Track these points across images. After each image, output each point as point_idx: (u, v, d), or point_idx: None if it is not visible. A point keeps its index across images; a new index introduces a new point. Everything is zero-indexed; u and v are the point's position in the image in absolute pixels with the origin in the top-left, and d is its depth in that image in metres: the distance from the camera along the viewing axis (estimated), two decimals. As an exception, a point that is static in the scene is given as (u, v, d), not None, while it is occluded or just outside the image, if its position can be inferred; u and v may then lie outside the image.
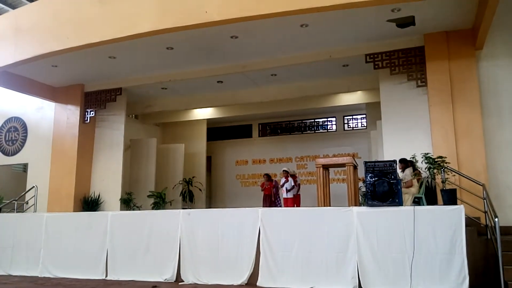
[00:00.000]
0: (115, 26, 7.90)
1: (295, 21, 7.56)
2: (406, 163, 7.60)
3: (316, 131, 14.60)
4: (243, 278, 6.82)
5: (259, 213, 7.04)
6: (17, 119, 12.13)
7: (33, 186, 10.45)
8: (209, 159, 14.87)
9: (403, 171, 7.56)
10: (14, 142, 12.01)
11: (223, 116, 13.82)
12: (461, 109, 7.84)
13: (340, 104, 12.38)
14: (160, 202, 10.69)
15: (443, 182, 6.62)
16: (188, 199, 13.04)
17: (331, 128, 14.43)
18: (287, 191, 10.75)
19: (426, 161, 6.86)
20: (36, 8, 9.25)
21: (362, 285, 6.11)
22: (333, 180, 12.52)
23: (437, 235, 5.91)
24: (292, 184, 10.78)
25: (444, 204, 6.28)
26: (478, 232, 6.47)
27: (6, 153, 12.09)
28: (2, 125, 12.33)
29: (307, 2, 6.70)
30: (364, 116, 13.42)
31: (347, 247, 6.34)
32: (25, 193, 10.90)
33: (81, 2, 8.49)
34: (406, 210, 6.15)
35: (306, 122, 14.67)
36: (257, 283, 6.73)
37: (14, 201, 10.40)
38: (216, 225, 7.32)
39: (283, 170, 11.20)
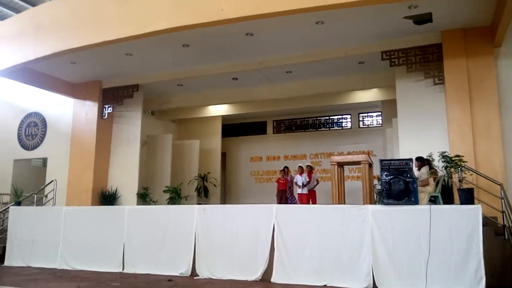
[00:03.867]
0: (132, 23, 8.00)
1: (310, 18, 7.56)
2: (422, 162, 7.55)
3: (331, 128, 14.55)
4: (257, 274, 6.88)
5: (273, 210, 7.08)
6: (37, 114, 12.38)
7: (52, 180, 10.66)
8: (224, 155, 14.95)
9: (419, 169, 7.53)
10: (34, 137, 12.26)
11: (238, 112, 13.90)
12: (479, 108, 7.74)
13: (355, 102, 12.32)
14: (175, 197, 10.81)
15: (460, 181, 6.55)
16: (203, 195, 13.18)
17: (346, 125, 14.37)
18: (303, 186, 10.75)
19: (443, 159, 6.80)
20: (55, 6, 9.39)
21: (376, 284, 6.11)
22: (348, 177, 12.48)
23: (453, 234, 5.86)
24: (307, 179, 10.78)
25: (461, 203, 6.22)
26: (495, 232, 6.41)
27: (26, 148, 12.35)
28: (22, 120, 12.59)
29: (323, -1, 6.69)
30: (380, 113, 13.33)
31: (362, 245, 6.33)
32: (44, 187, 11.13)
33: (99, 0, 8.60)
34: (422, 209, 6.12)
35: (321, 119, 14.64)
36: (271, 279, 6.78)
37: (33, 195, 10.63)
38: (231, 221, 7.39)
39: (299, 166, 11.24)
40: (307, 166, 11.29)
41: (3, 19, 12.68)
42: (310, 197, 10.87)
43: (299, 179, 10.89)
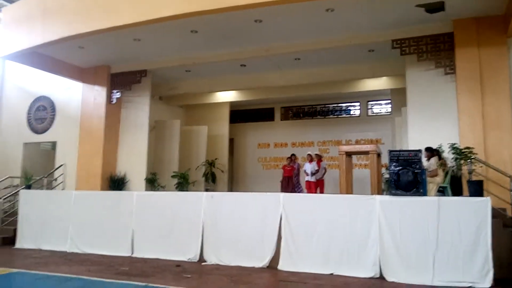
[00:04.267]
0: (140, 9, 7.94)
1: (320, 5, 7.45)
2: (432, 152, 7.52)
3: (339, 116, 14.47)
4: (264, 261, 6.96)
5: (281, 199, 7.12)
6: (46, 98, 12.41)
7: (62, 164, 10.75)
8: (231, 141, 14.96)
9: (428, 160, 7.49)
10: (43, 120, 12.33)
11: (246, 99, 13.84)
12: (490, 98, 7.66)
13: (364, 90, 12.23)
14: (183, 182, 10.86)
15: (469, 173, 6.52)
16: (210, 180, 13.25)
17: (354, 113, 14.27)
18: (312, 174, 10.76)
19: (453, 151, 6.76)
20: (63, -10, 9.36)
21: (383, 274, 6.16)
22: (356, 165, 12.47)
23: (462, 226, 5.87)
24: (316, 168, 10.79)
25: (470, 195, 6.21)
26: (503, 224, 6.42)
27: (35, 131, 12.43)
28: (31, 104, 12.64)
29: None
30: (389, 101, 13.22)
31: (369, 235, 6.37)
32: (53, 171, 11.25)
33: (108, -16, 8.55)
34: (430, 201, 6.13)
35: (329, 107, 14.54)
36: (278, 266, 6.86)
37: (43, 178, 10.75)
38: (239, 208, 7.47)
39: (308, 154, 11.23)
40: (316, 154, 11.26)
41: (11, 3, 12.66)
42: (318, 185, 10.89)
43: (308, 167, 10.90)
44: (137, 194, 8.55)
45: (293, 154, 12.03)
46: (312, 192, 10.49)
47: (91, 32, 8.55)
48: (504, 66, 7.68)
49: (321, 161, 11.27)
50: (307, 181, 10.91)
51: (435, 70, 8.37)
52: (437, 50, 8.28)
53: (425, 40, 8.37)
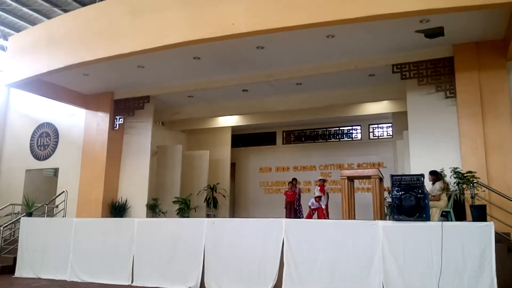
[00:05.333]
0: (146, 37, 8.08)
1: (321, 32, 7.57)
2: (437, 176, 7.49)
3: (341, 139, 14.50)
4: (266, 288, 6.84)
5: (283, 224, 7.04)
6: (49, 124, 12.53)
7: (63, 191, 10.74)
8: (233, 165, 14.97)
9: (433, 183, 7.45)
10: (46, 147, 12.40)
11: (248, 123, 13.93)
12: (492, 122, 7.66)
13: (365, 113, 12.29)
14: (185, 208, 10.82)
15: (472, 197, 6.47)
16: (212, 205, 13.16)
17: (356, 136, 14.31)
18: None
19: (455, 175, 6.73)
20: (69, 19, 9.56)
21: (387, 301, 6.04)
22: (358, 189, 12.36)
23: (466, 251, 5.77)
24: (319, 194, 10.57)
25: (473, 220, 6.14)
26: (508, 249, 6.31)
27: (38, 158, 12.49)
28: (34, 130, 12.75)
29: (332, 14, 6.72)
30: (390, 124, 13.26)
31: (372, 261, 6.26)
32: (55, 198, 11.22)
33: (113, 14, 8.73)
34: (433, 226, 6.04)
35: (330, 130, 14.59)
36: (280, 294, 6.74)
37: (45, 205, 10.72)
38: (240, 235, 7.37)
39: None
40: (320, 180, 11.10)
41: (18, 31, 12.93)
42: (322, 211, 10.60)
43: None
44: (138, 221, 8.48)
45: (294, 179, 11.98)
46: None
47: (96, 60, 8.69)
48: (504, 89, 7.72)
49: (325, 186, 11.10)
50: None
51: (436, 94, 8.42)
52: (437, 74, 8.35)
53: (425, 64, 8.46)
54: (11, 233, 10.44)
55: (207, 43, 7.80)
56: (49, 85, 10.69)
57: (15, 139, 12.99)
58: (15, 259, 9.34)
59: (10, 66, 10.11)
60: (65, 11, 12.09)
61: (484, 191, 6.95)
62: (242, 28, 7.21)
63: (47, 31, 9.67)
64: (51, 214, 11.01)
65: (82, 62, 8.80)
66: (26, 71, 9.66)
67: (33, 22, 13.38)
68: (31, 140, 12.70)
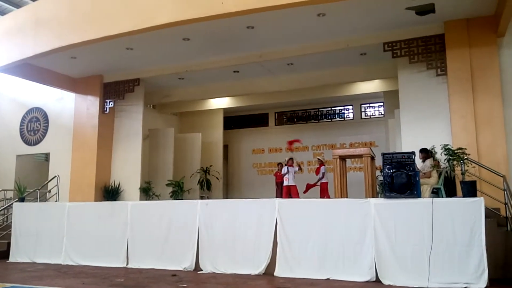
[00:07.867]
0: (133, 18, 7.95)
1: (311, 10, 7.49)
2: (427, 153, 7.54)
3: (333, 120, 14.51)
4: (260, 268, 6.91)
5: (276, 204, 7.09)
6: (38, 109, 12.38)
7: (55, 176, 10.67)
8: (226, 147, 14.95)
9: (423, 161, 7.51)
10: (36, 132, 12.27)
11: (240, 105, 13.86)
12: (482, 98, 7.70)
13: (357, 93, 12.27)
14: (178, 190, 10.80)
15: (462, 174, 6.53)
16: (205, 188, 13.20)
17: (348, 116, 14.33)
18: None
19: (445, 152, 6.77)
20: (55, 1, 9.33)
21: (379, 277, 6.13)
22: (350, 168, 12.47)
23: (456, 227, 5.86)
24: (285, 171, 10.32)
25: (464, 196, 6.21)
26: (498, 224, 6.43)
27: (28, 143, 12.37)
28: (24, 116, 12.59)
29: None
30: (382, 104, 13.27)
31: (364, 238, 6.35)
32: (47, 183, 11.17)
33: (98, -6, 8.55)
34: (424, 202, 6.11)
35: (322, 111, 14.59)
36: (274, 273, 6.81)
37: (37, 190, 10.66)
38: (234, 215, 7.42)
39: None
40: (318, 159, 10.91)
41: (3, 14, 12.64)
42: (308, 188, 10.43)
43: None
44: (131, 204, 8.49)
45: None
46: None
47: (83, 42, 8.57)
48: (495, 66, 7.73)
49: (323, 165, 10.87)
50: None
51: (427, 71, 8.42)
52: (428, 51, 8.33)
53: (416, 42, 8.42)
54: (3, 218, 10.41)
55: (196, 24, 7.68)
56: (37, 68, 10.52)
57: (4, 125, 12.83)
58: (9, 244, 9.35)
59: (-4, 50, 9.91)
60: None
61: (474, 167, 7.01)
62: (231, 8, 7.10)
63: (33, 13, 9.47)
64: (43, 199, 10.98)
65: (69, 44, 8.67)
66: (13, 55, 9.50)
67: (18, 5, 13.09)
68: (20, 125, 12.56)
